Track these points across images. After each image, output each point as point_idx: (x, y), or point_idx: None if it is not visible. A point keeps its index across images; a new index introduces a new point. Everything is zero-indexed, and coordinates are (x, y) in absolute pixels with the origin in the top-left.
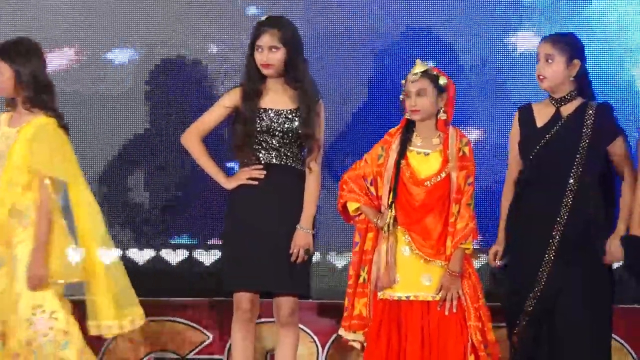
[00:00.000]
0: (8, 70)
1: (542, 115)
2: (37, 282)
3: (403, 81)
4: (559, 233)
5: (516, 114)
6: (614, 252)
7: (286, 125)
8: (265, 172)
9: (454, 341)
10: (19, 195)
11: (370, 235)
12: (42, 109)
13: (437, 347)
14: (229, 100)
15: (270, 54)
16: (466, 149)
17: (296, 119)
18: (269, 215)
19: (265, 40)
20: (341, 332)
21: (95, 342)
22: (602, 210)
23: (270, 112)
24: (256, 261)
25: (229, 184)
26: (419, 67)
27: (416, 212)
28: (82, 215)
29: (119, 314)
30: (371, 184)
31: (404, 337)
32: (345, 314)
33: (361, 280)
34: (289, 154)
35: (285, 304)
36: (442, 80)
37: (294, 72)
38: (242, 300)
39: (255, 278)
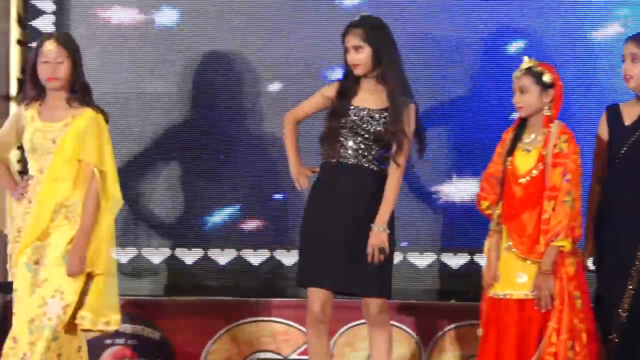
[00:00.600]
0: (68, 61)
1: (629, 114)
2: (76, 269)
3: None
4: None
5: (604, 113)
6: None
7: (370, 125)
8: (317, 170)
9: (536, 341)
10: (68, 190)
11: None
12: (88, 103)
13: (528, 346)
14: (328, 90)
15: (355, 54)
16: (564, 146)
17: (382, 119)
18: (345, 215)
19: (350, 40)
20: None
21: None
22: None
23: (358, 110)
24: (329, 260)
25: (295, 171)
26: (524, 64)
27: (514, 209)
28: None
29: (98, 313)
30: (499, 181)
31: (502, 336)
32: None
33: None
34: (366, 154)
35: (372, 304)
36: (547, 77)
37: (383, 69)
38: (314, 300)
39: (327, 277)
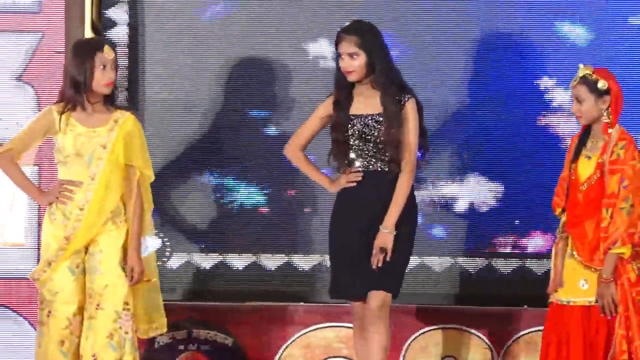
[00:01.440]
0: (115, 65)
1: None
2: (140, 277)
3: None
4: None
5: None
6: None
7: (376, 130)
8: (362, 175)
9: (605, 348)
10: (118, 195)
11: None
12: (119, 106)
13: (596, 352)
14: (323, 110)
15: (351, 61)
16: (621, 152)
17: (384, 122)
18: (367, 221)
19: (344, 47)
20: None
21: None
22: None
23: (360, 118)
24: (355, 269)
25: (331, 188)
26: (579, 72)
27: (576, 216)
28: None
29: (148, 320)
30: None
31: (566, 343)
32: None
33: None
34: (386, 158)
35: (373, 297)
36: (601, 84)
37: (378, 75)
38: (355, 308)
39: (355, 286)
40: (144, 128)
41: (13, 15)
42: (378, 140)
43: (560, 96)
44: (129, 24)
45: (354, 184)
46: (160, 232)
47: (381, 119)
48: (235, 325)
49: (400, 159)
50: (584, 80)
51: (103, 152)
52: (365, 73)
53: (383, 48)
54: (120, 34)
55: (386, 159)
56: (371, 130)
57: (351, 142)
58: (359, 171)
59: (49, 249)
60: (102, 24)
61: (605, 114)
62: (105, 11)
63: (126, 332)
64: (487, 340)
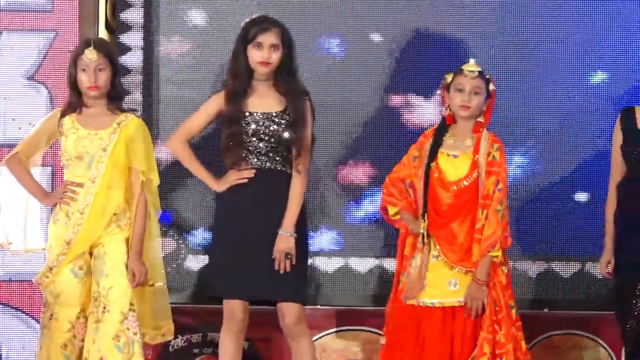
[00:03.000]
0: (108, 68)
1: None
2: (144, 277)
3: (448, 76)
4: None
5: (619, 117)
6: None
7: (272, 128)
8: (254, 172)
9: (469, 349)
10: (120, 198)
11: (409, 240)
12: (125, 109)
13: (459, 354)
14: (212, 105)
15: (272, 53)
16: (497, 154)
17: (283, 121)
18: (261, 221)
19: (269, 38)
20: (382, 340)
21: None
22: None
23: (256, 115)
24: (249, 268)
25: (218, 186)
26: (475, 66)
27: (442, 217)
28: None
29: (155, 326)
30: (409, 187)
31: (421, 344)
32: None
33: (401, 286)
34: (278, 157)
35: (286, 313)
36: (492, 87)
37: (286, 72)
38: (236, 309)
39: (248, 286)
40: (158, 129)
41: (26, 14)
42: (272, 139)
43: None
44: (143, 27)
45: (245, 180)
46: (176, 234)
47: (277, 118)
48: (251, 329)
49: (294, 159)
50: (482, 76)
51: (103, 155)
52: (275, 68)
53: (295, 46)
54: (135, 36)
55: (280, 158)
56: (267, 128)
57: (244, 139)
58: (251, 168)
59: (51, 251)
60: (117, 25)
61: (482, 114)
62: (121, 13)
63: (135, 333)
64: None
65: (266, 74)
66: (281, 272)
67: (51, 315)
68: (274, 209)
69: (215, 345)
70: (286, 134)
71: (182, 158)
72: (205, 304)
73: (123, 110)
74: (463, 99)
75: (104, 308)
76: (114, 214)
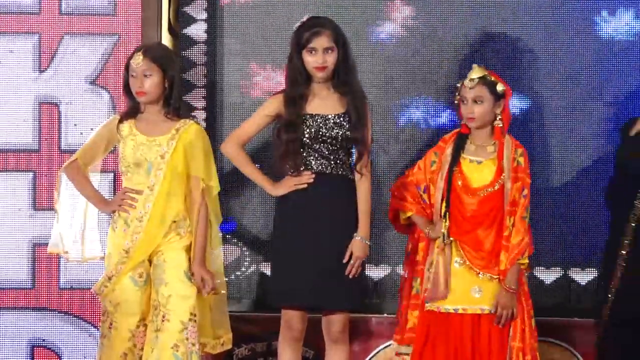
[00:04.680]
0: (158, 74)
1: None
2: (211, 286)
3: (458, 85)
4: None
5: (623, 125)
6: None
7: (335, 131)
8: (314, 177)
9: (496, 358)
10: (179, 206)
11: (421, 245)
12: (185, 115)
13: None
14: (271, 108)
15: (326, 56)
16: (521, 160)
17: (345, 124)
18: (322, 227)
19: (321, 42)
20: (394, 344)
21: None
22: None
23: (317, 117)
24: (308, 276)
25: (276, 190)
26: (476, 73)
27: (467, 223)
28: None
29: (215, 335)
30: (424, 192)
31: (452, 351)
32: (397, 327)
33: (414, 291)
34: (339, 162)
35: (336, 320)
36: (500, 87)
37: (344, 74)
38: (294, 318)
39: (307, 294)
40: (221, 129)
41: (88, 18)
42: (334, 142)
43: None
44: (206, 20)
45: (305, 185)
46: (239, 242)
47: (340, 120)
48: (317, 338)
49: (357, 162)
50: (484, 81)
51: (162, 162)
52: (333, 71)
53: (349, 45)
54: (199, 29)
55: (340, 162)
56: (328, 130)
57: (305, 142)
58: (310, 173)
59: (110, 260)
60: (179, 23)
61: (498, 118)
62: (183, 8)
63: (193, 344)
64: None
65: (324, 78)
66: (350, 276)
67: (110, 324)
68: (334, 214)
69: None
70: (349, 134)
71: (238, 162)
72: (269, 312)
73: (182, 116)
74: (466, 111)
75: (164, 317)
76: (174, 222)
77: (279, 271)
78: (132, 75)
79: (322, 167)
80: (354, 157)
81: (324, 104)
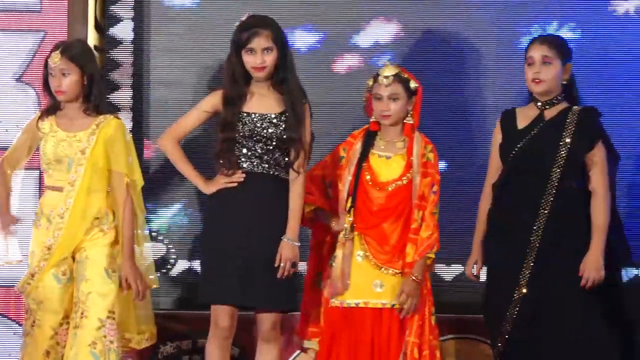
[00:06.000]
0: (76, 72)
1: (524, 118)
2: (139, 283)
3: (369, 82)
4: (538, 238)
5: (500, 118)
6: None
7: (270, 130)
8: (244, 176)
9: (395, 353)
10: (101, 202)
11: (326, 239)
12: (105, 110)
13: (387, 356)
14: (209, 104)
15: (265, 56)
16: (431, 156)
17: (281, 123)
18: (251, 227)
19: (260, 42)
20: (297, 339)
21: None
22: (584, 215)
23: (254, 116)
24: (238, 275)
25: (207, 188)
26: (390, 70)
27: (373, 217)
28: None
29: (139, 330)
30: (330, 186)
31: (354, 345)
32: (301, 322)
33: (317, 286)
34: (272, 161)
35: (267, 319)
36: (413, 84)
37: (283, 73)
38: (222, 315)
39: (237, 293)
40: (148, 128)
41: (14, 14)
42: (269, 141)
43: None
44: (133, 19)
45: (235, 184)
46: (165, 239)
47: (276, 119)
48: (242, 336)
49: (293, 161)
50: (399, 78)
51: (82, 157)
52: (273, 70)
53: (288, 44)
54: (125, 29)
55: (274, 161)
56: (264, 129)
57: (240, 141)
58: (241, 172)
59: (34, 257)
60: (106, 21)
61: (410, 115)
62: (110, 7)
63: (111, 342)
64: None
65: (263, 77)
66: (283, 278)
67: (34, 322)
68: (263, 214)
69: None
70: (285, 135)
71: (173, 158)
72: (195, 310)
73: (103, 112)
74: (382, 109)
75: (82, 314)
76: (96, 218)
77: (209, 269)
78: (50, 74)
79: (254, 167)
80: (291, 156)
81: (261, 103)
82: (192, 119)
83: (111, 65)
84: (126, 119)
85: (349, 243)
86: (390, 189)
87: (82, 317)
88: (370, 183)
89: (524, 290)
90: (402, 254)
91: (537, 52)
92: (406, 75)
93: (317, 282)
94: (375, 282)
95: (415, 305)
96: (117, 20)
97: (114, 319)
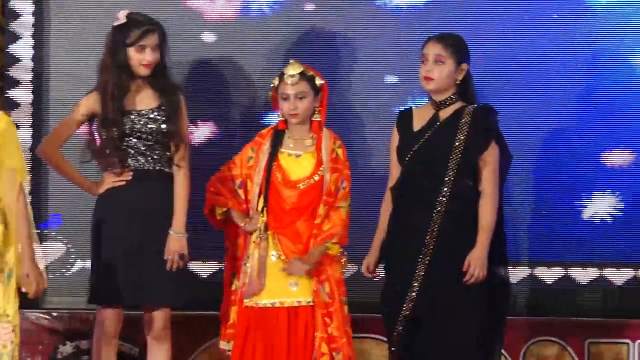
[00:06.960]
0: None
1: (420, 118)
2: (40, 287)
3: (275, 80)
4: (432, 240)
5: (397, 119)
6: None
7: (149, 126)
8: (131, 174)
9: (309, 351)
10: None
11: (239, 240)
12: None
13: (302, 355)
14: (83, 109)
15: (154, 54)
16: (339, 151)
17: (159, 118)
18: (139, 224)
19: (152, 40)
20: (224, 345)
21: None
22: (477, 215)
23: (133, 113)
24: (126, 274)
25: (95, 189)
26: (295, 68)
27: (287, 216)
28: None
29: None
30: (240, 187)
31: (270, 346)
32: (221, 323)
33: (233, 287)
34: (156, 157)
35: (157, 316)
36: (318, 81)
37: (161, 69)
38: (109, 315)
39: (125, 293)
40: (48, 125)
41: None
42: (149, 137)
43: None
44: (33, 14)
45: (123, 183)
46: (65, 239)
47: (154, 114)
48: (142, 335)
49: (174, 155)
50: (305, 76)
51: None
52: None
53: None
54: (25, 24)
55: (157, 157)
56: (143, 126)
57: (123, 139)
58: (127, 171)
59: None
60: (5, 17)
61: (317, 112)
62: (9, 2)
63: (4, 346)
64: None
65: (147, 74)
66: (170, 273)
67: None
68: (151, 210)
69: None
70: (164, 128)
71: (54, 164)
72: (93, 309)
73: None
74: (289, 108)
75: None
76: None
77: (97, 270)
78: None
79: (139, 164)
80: (171, 150)
81: (138, 99)
82: (68, 126)
83: (10, 61)
84: (26, 115)
85: (263, 243)
86: (301, 187)
87: None
88: (281, 182)
89: (414, 294)
90: None
91: (431, 51)
92: (311, 73)
93: (234, 284)
94: (291, 282)
95: (299, 272)
96: (16, 15)
97: (9, 321)
